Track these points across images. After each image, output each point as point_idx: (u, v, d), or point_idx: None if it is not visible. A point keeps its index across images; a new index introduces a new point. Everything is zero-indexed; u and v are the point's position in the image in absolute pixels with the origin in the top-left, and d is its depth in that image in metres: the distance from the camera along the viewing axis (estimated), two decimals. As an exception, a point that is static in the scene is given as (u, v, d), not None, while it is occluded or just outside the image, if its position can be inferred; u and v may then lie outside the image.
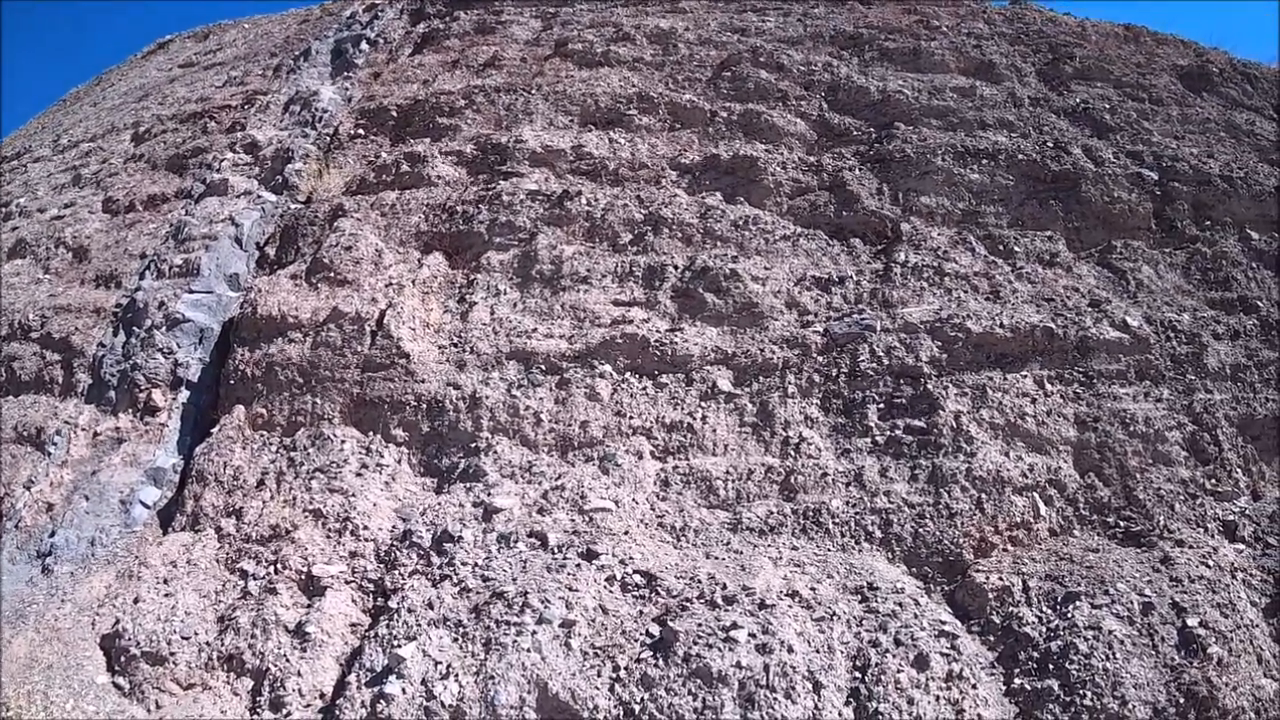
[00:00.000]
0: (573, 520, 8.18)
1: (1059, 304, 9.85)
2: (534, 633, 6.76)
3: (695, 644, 6.54)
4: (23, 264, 15.09)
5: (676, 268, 10.56)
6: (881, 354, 9.37)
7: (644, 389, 9.44)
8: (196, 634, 7.49)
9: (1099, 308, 9.74)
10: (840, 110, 13.24)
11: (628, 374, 9.58)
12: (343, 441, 9.51)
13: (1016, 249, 10.78)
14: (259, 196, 13.88)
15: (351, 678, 6.83)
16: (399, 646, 6.87)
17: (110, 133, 19.19)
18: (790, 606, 7.02)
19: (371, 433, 9.65)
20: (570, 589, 7.19)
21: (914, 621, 6.89)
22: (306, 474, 9.18)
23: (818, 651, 6.61)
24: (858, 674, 6.46)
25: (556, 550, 7.78)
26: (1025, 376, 9.12)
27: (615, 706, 6.29)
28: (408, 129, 14.25)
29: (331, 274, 11.21)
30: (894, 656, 6.52)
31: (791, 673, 6.34)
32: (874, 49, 14.56)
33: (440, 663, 6.70)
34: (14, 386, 12.19)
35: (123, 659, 7.37)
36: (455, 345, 10.10)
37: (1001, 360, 9.26)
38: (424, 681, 6.56)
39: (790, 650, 6.50)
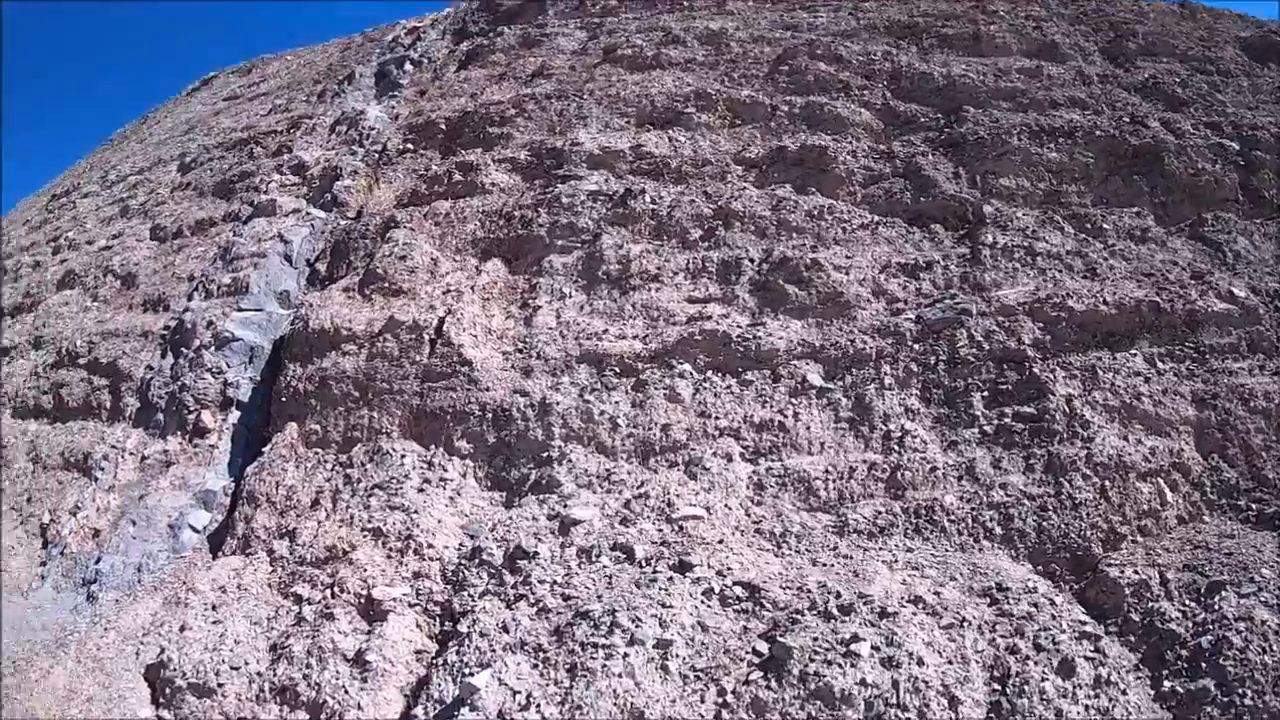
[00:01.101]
0: (660, 530, 7.43)
1: (1159, 278, 9.09)
2: (625, 655, 5.99)
3: (812, 661, 5.73)
4: (71, 294, 14.86)
5: (753, 261, 9.90)
6: (980, 339, 8.62)
7: (728, 387, 8.74)
8: (247, 664, 6.83)
9: (1202, 280, 8.97)
10: (905, 97, 12.61)
11: (709, 372, 8.90)
12: (402, 456, 8.89)
13: (1105, 226, 10.06)
14: (308, 214, 13.46)
15: (418, 710, 6.11)
16: (471, 675, 6.09)
17: (157, 165, 19.09)
18: (914, 614, 6.21)
19: (433, 446, 9.03)
20: (663, 605, 6.42)
21: (1052, 624, 6.08)
22: (364, 491, 8.56)
23: (950, 662, 5.79)
24: (996, 685, 5.64)
25: (645, 563, 7.02)
26: (1135, 355, 8.37)
27: (722, 736, 5.48)
28: (458, 140, 13.80)
29: (386, 284, 10.68)
30: (1036, 664, 5.71)
31: (924, 688, 5.52)
32: (932, 36, 13.96)
33: (519, 692, 5.93)
34: (61, 413, 11.86)
35: (168, 691, 6.74)
36: (520, 351, 9.50)
37: (1108, 339, 8.55)
38: (501, 713, 5.79)
39: (920, 663, 5.69)
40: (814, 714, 5.46)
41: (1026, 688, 5.54)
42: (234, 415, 10.49)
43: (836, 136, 11.82)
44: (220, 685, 6.65)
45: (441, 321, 9.84)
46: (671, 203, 10.91)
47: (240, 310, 11.58)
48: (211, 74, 25.69)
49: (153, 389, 11.02)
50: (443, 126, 14.23)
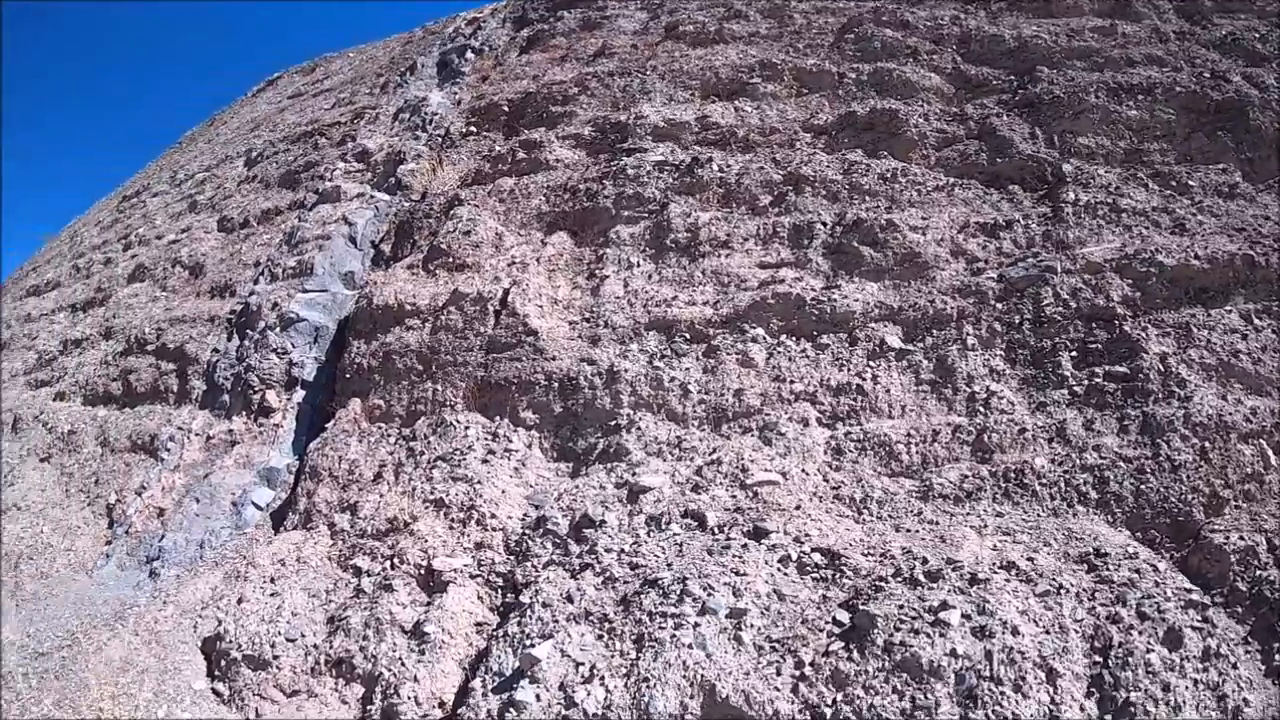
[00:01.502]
0: (734, 496, 7.02)
1: (1251, 233, 8.38)
2: (696, 625, 5.57)
3: (897, 630, 5.25)
4: (141, 286, 15.03)
5: (825, 224, 9.45)
6: (1067, 296, 8.06)
7: (803, 351, 8.30)
8: (303, 635, 6.60)
9: (1295, 234, 8.25)
10: (975, 61, 12.03)
11: (783, 336, 8.48)
12: (466, 428, 8.65)
13: (1191, 183, 9.38)
14: (372, 197, 13.36)
15: (476, 683, 5.77)
16: (532, 646, 5.75)
17: (224, 162, 19.35)
18: (1007, 580, 5.69)
19: (498, 417, 8.78)
20: (737, 573, 5.99)
21: (1156, 591, 5.49)
22: (427, 463, 8.33)
23: (1048, 632, 5.24)
24: (1098, 657, 5.08)
25: (717, 530, 6.62)
26: (1230, 311, 7.69)
27: (800, 711, 5.02)
28: (521, 120, 13.63)
29: (450, 259, 10.50)
30: (1140, 634, 5.14)
31: (1020, 659, 4.99)
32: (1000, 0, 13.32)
33: (582, 664, 5.57)
34: (130, 398, 11.93)
35: (223, 663, 6.54)
36: (587, 320, 9.21)
37: (1201, 295, 7.90)
38: (562, 686, 5.43)
39: (1015, 632, 5.16)
40: (899, 687, 4.98)
41: (1131, 659, 4.99)
42: (298, 394, 10.39)
43: (907, 101, 11.31)
44: (275, 657, 6.43)
45: (506, 293, 9.60)
46: (740, 170, 10.53)
47: (305, 291, 11.49)
48: (276, 75, 26.11)
49: (218, 371, 10.99)
50: (505, 108, 14.08)
